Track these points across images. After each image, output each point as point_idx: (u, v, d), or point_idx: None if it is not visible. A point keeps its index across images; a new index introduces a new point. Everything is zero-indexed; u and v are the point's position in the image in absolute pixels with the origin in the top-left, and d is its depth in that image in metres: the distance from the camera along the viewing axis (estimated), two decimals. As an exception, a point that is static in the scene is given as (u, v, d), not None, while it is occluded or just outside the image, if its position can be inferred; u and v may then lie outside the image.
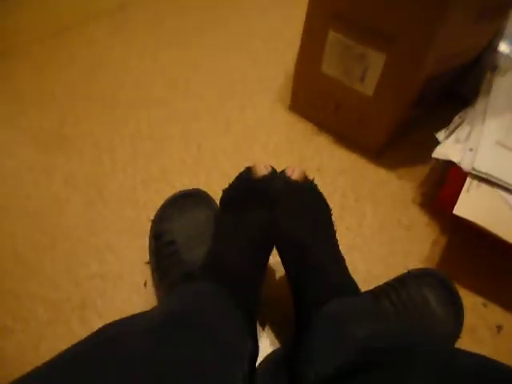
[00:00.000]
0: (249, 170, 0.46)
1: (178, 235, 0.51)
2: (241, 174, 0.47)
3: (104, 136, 0.77)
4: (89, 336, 0.29)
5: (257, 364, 0.48)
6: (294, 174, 0.47)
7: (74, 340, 0.29)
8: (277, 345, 0.52)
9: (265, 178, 0.45)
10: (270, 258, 0.47)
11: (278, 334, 0.55)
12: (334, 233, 0.49)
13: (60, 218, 0.64)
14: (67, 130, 0.77)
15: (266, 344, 0.53)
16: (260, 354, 0.48)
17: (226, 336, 0.36)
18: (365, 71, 0.66)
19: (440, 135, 0.63)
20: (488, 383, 0.27)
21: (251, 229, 0.44)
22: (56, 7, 1.04)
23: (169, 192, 0.60)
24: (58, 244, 0.61)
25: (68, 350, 0.27)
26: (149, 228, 0.56)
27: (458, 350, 0.33)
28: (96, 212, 0.65)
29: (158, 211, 0.57)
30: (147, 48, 0.96)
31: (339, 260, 0.47)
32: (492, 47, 0.79)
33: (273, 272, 0.60)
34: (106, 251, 0.61)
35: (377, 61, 0.64)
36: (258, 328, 0.54)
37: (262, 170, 0.45)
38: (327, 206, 0.49)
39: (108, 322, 0.32)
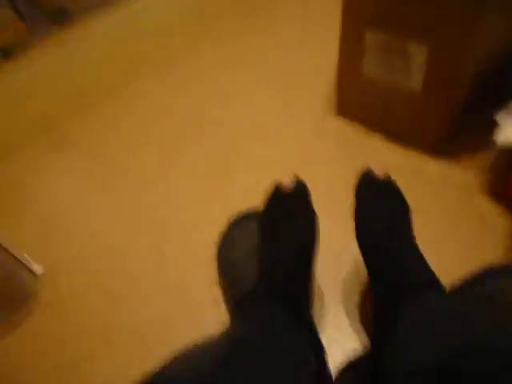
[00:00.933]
0: (275, 187, 0.48)
1: (238, 256, 0.53)
2: (270, 192, 0.49)
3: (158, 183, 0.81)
4: (163, 364, 0.31)
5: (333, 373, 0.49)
6: (377, 172, 0.48)
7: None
8: (349, 351, 0.51)
9: (291, 190, 0.46)
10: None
11: (348, 342, 0.54)
12: (412, 231, 0.48)
13: (134, 260, 0.69)
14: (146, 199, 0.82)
15: (340, 352, 0.53)
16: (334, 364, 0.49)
17: (291, 357, 0.36)
18: (409, 66, 0.65)
19: (499, 117, 0.59)
20: None
21: (291, 244, 0.45)
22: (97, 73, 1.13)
23: (227, 213, 0.63)
24: (141, 286, 0.66)
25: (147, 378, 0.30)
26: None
27: None
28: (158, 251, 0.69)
29: (221, 234, 0.59)
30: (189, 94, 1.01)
31: (419, 256, 0.46)
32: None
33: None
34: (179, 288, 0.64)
35: (419, 53, 0.62)
36: (331, 336, 0.55)
37: (288, 183, 0.46)
38: (407, 204, 0.49)
39: (185, 343, 0.34)
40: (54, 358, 0.59)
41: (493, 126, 0.60)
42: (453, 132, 0.74)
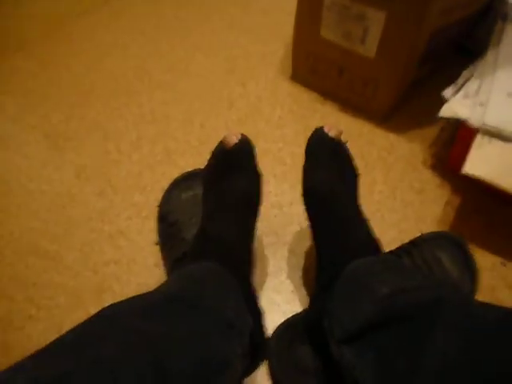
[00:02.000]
0: (221, 142, 0.46)
1: (180, 215, 0.52)
2: (215, 148, 0.47)
3: (109, 125, 0.77)
4: (91, 317, 0.30)
5: (270, 333, 0.49)
6: (332, 131, 0.47)
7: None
8: (288, 314, 0.52)
9: (236, 146, 0.44)
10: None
11: (292, 302, 0.55)
12: (358, 196, 0.49)
13: (73, 209, 0.66)
14: (75, 123, 0.78)
15: (279, 313, 0.54)
16: (274, 325, 0.50)
17: (224, 313, 0.36)
18: (365, 32, 0.64)
19: (447, 92, 0.60)
20: None
21: (232, 198, 0.44)
22: (54, 1, 1.04)
23: (175, 173, 0.60)
24: (74, 234, 0.63)
25: (69, 331, 0.28)
26: (156, 210, 0.57)
27: (483, 303, 0.32)
28: (107, 201, 0.66)
29: (164, 194, 0.57)
30: (147, 34, 0.95)
31: (364, 220, 0.47)
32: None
33: (278, 241, 0.60)
34: (118, 237, 0.62)
35: (376, 19, 0.61)
36: (270, 297, 0.55)
37: (233, 139, 0.44)
38: (356, 169, 0.49)
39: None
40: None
41: (441, 100, 0.61)
42: (402, 103, 0.75)
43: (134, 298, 0.33)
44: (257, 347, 0.45)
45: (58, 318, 0.55)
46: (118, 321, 0.29)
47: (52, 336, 0.54)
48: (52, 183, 0.69)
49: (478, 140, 0.53)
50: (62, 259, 0.60)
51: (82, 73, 0.87)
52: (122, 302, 0.32)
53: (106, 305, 0.56)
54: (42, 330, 0.54)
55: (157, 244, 0.56)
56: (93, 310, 0.55)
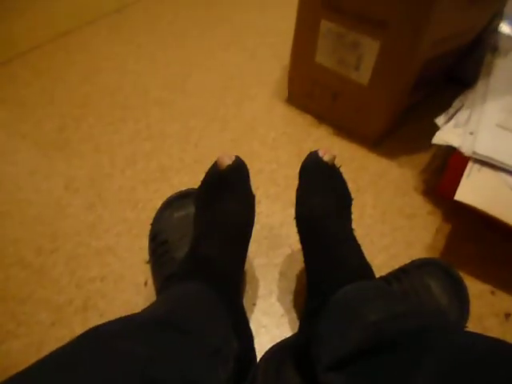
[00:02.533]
0: (215, 163, 0.46)
1: (171, 235, 0.51)
2: (209, 169, 0.47)
3: (103, 138, 0.77)
4: (78, 337, 0.29)
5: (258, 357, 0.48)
6: (326, 156, 0.47)
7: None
8: (277, 338, 0.51)
9: (229, 167, 0.44)
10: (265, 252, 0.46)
11: (281, 325, 0.54)
12: (351, 221, 0.48)
13: (61, 222, 0.65)
14: (67, 134, 0.78)
15: (267, 338, 0.53)
16: (262, 348, 0.49)
17: (209, 338, 0.35)
18: (359, 59, 0.65)
19: (439, 120, 0.61)
20: (503, 363, 0.26)
21: (225, 222, 0.44)
22: (53, 12, 1.05)
23: (168, 191, 0.60)
24: (60, 248, 0.61)
25: (55, 351, 0.27)
26: (148, 228, 0.57)
27: (471, 332, 0.32)
28: (96, 215, 0.65)
29: (156, 213, 0.57)
30: (144, 49, 0.96)
31: (356, 245, 0.46)
32: (492, 28, 0.77)
33: (271, 267, 0.60)
34: (106, 253, 0.61)
35: (370, 48, 0.63)
36: (259, 322, 0.54)
37: (226, 161, 0.44)
38: (349, 194, 0.49)
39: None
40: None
41: (433, 126, 0.62)
42: (395, 128, 0.76)
43: (121, 319, 0.33)
44: (246, 370, 0.44)
45: (38, 335, 0.53)
46: (106, 342, 0.28)
47: (31, 354, 0.53)
48: (40, 193, 0.68)
49: (469, 168, 0.54)
50: (46, 273, 0.59)
51: (76, 84, 0.88)
52: (109, 323, 0.31)
53: (90, 322, 0.55)
54: (20, 347, 0.52)
55: (147, 262, 0.56)
56: (76, 328, 0.54)
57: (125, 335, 0.30)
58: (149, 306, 0.38)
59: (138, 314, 0.35)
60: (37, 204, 0.67)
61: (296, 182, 0.49)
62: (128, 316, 0.33)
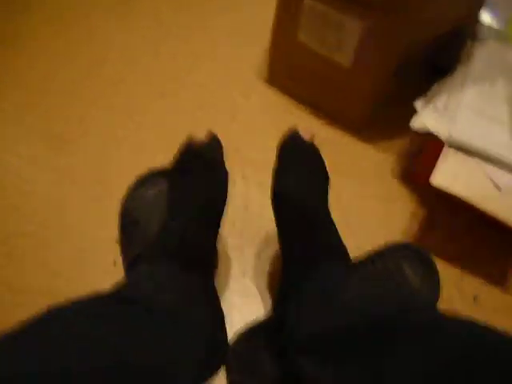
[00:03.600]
0: (188, 141, 0.45)
1: (142, 212, 0.49)
2: (182, 146, 0.46)
3: (108, 131, 0.73)
4: (36, 318, 0.27)
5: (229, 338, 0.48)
6: (305, 134, 0.46)
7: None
8: (249, 319, 0.51)
9: (204, 144, 0.44)
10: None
11: (254, 306, 0.54)
12: (328, 201, 0.48)
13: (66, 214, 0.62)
14: (72, 126, 0.73)
15: (239, 319, 0.52)
16: (233, 329, 0.48)
17: (180, 316, 0.35)
18: (342, 40, 0.64)
19: (418, 104, 0.61)
20: (479, 347, 0.26)
21: (197, 197, 0.43)
22: (56, 4, 0.98)
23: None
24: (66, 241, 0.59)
25: (8, 334, 0.25)
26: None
27: (443, 314, 0.32)
28: (102, 207, 0.63)
29: (128, 191, 0.55)
30: (148, 40, 0.90)
31: (332, 225, 0.46)
32: (473, 17, 0.78)
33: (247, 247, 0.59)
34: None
35: (354, 29, 0.61)
36: (231, 302, 0.53)
37: (201, 138, 0.44)
38: (327, 174, 0.49)
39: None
40: None
41: (412, 112, 0.62)
42: (376, 113, 0.76)
43: (89, 298, 0.31)
44: (217, 351, 0.44)
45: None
46: (70, 324, 0.27)
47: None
48: (44, 185, 0.65)
49: (445, 153, 0.54)
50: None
51: (80, 77, 0.82)
52: (75, 302, 0.30)
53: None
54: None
55: (117, 241, 0.54)
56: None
57: (91, 316, 0.28)
58: (118, 284, 0.36)
59: (107, 292, 0.34)
60: (41, 196, 0.64)
61: (272, 164, 0.48)
62: (93, 295, 0.32)
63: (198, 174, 0.43)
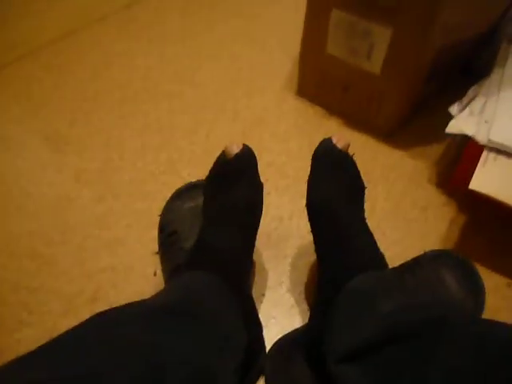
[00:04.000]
0: (223, 152, 0.46)
1: (180, 225, 0.51)
2: (217, 158, 0.47)
3: (113, 132, 0.77)
4: (84, 322, 0.29)
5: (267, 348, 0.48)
6: (339, 143, 0.46)
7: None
8: (287, 329, 0.51)
9: (237, 156, 0.44)
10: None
11: (291, 316, 0.54)
12: (364, 210, 0.48)
13: (72, 214, 0.65)
14: (77, 129, 0.78)
15: (277, 329, 0.52)
16: (271, 339, 0.48)
17: (219, 327, 0.35)
18: (371, 48, 0.64)
19: (453, 109, 0.60)
20: None
21: (233, 208, 0.43)
22: (63, 10, 1.06)
23: (178, 183, 0.60)
24: (71, 239, 0.62)
25: (61, 336, 0.27)
26: (157, 220, 0.57)
27: (487, 320, 0.31)
28: (106, 207, 0.66)
29: (165, 204, 0.57)
30: (154, 44, 0.96)
31: (369, 234, 0.45)
32: (507, 17, 0.75)
33: (276, 259, 0.59)
34: (116, 244, 0.61)
35: (382, 36, 0.61)
36: (268, 313, 0.54)
37: (234, 149, 0.44)
38: (362, 182, 0.48)
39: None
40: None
41: (447, 118, 0.61)
42: (408, 120, 0.75)
43: (131, 304, 0.32)
44: (255, 361, 0.44)
45: (50, 325, 0.54)
46: (113, 328, 0.28)
47: (43, 342, 0.53)
48: (52, 186, 0.69)
49: (484, 157, 0.52)
50: (57, 264, 0.59)
51: (86, 79, 0.88)
52: (118, 308, 0.31)
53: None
54: (32, 336, 0.52)
55: (156, 253, 0.56)
56: (86, 317, 0.54)
57: (132, 322, 0.30)
58: (158, 293, 0.38)
59: (149, 299, 0.35)
60: (48, 197, 0.68)
61: (306, 174, 0.49)
62: (138, 302, 0.33)
63: (233, 186, 0.44)
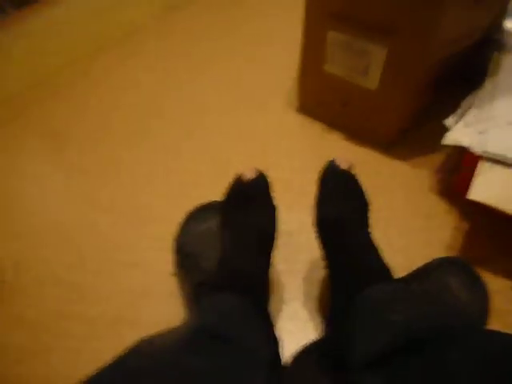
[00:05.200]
0: (237, 177, 0.48)
1: (196, 246, 0.53)
2: (231, 183, 0.49)
3: (123, 158, 0.80)
4: (125, 352, 0.31)
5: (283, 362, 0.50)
6: (342, 164, 0.49)
7: (109, 353, 0.31)
8: (302, 342, 0.53)
9: (252, 181, 0.47)
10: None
11: (306, 330, 0.56)
12: (369, 226, 0.50)
13: (88, 239, 0.68)
14: (88, 156, 0.81)
15: (294, 342, 0.54)
16: (288, 353, 0.50)
17: (248, 345, 0.37)
18: (367, 66, 0.67)
19: (448, 121, 0.62)
20: None
21: (251, 234, 0.46)
22: (68, 39, 1.10)
23: (188, 205, 0.62)
24: (88, 264, 0.64)
25: (106, 367, 0.29)
26: (171, 242, 0.59)
27: (496, 331, 0.33)
28: (121, 231, 0.68)
29: (180, 227, 0.59)
30: (158, 72, 1.00)
31: (375, 248, 0.48)
32: (497, 26, 0.78)
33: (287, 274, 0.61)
34: (133, 268, 0.63)
35: (378, 54, 0.64)
36: (284, 327, 0.56)
37: (248, 174, 0.47)
38: (367, 200, 0.51)
39: (140, 334, 0.34)
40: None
41: (443, 129, 0.63)
42: (407, 130, 0.77)
43: (170, 331, 0.34)
44: (274, 375, 0.46)
45: (74, 348, 0.56)
46: (158, 355, 0.30)
47: (69, 364, 0.56)
48: (68, 214, 0.72)
49: (481, 166, 0.55)
50: (77, 288, 0.62)
51: (98, 109, 0.92)
52: (157, 335, 0.33)
53: (122, 334, 0.57)
54: (58, 358, 0.55)
55: (173, 275, 0.58)
56: (109, 339, 0.57)
57: (178, 347, 0.32)
58: (192, 318, 0.40)
59: (185, 326, 0.37)
60: (66, 224, 0.70)
61: (312, 189, 0.51)
62: (176, 328, 0.35)
63: (248, 210, 0.47)
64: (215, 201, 0.59)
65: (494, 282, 0.58)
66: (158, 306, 0.59)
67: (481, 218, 0.64)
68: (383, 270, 0.47)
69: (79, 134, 0.86)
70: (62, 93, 0.96)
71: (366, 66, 0.67)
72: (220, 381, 0.30)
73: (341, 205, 0.47)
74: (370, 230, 0.49)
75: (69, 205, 0.73)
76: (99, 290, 0.61)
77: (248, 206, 0.47)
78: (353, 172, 0.50)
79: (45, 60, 1.05)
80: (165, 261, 0.63)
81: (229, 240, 0.47)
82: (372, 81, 0.68)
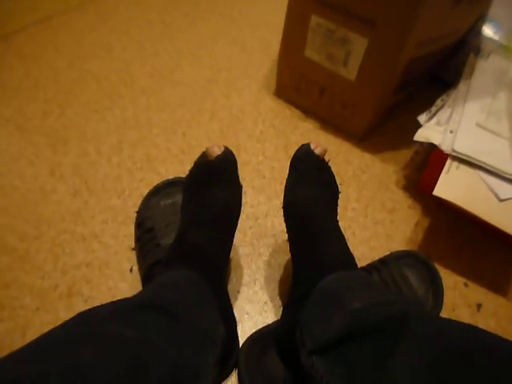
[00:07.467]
0: (203, 153, 0.47)
1: (157, 222, 0.52)
2: (198, 159, 0.48)
3: (89, 126, 0.76)
4: (67, 320, 0.30)
5: (240, 343, 0.50)
6: (317, 149, 0.48)
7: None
8: (259, 325, 0.53)
9: (219, 158, 0.45)
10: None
11: (264, 312, 0.56)
12: (337, 214, 0.50)
13: (46, 208, 0.64)
14: (52, 120, 0.77)
15: (250, 324, 0.54)
16: (245, 335, 0.50)
17: (198, 322, 0.37)
18: (347, 55, 0.66)
19: (421, 118, 0.63)
20: (479, 346, 0.28)
21: (213, 209, 0.45)
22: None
23: (154, 180, 0.60)
24: (45, 234, 0.61)
25: (45, 334, 0.28)
26: (134, 216, 0.57)
27: (446, 318, 0.34)
28: (82, 202, 0.65)
29: (143, 201, 0.58)
30: (132, 37, 0.95)
31: (341, 236, 0.48)
32: (475, 30, 0.80)
33: (256, 254, 0.61)
34: (91, 240, 0.61)
35: (359, 45, 0.64)
36: (242, 309, 0.55)
37: (216, 151, 0.45)
38: (337, 188, 0.51)
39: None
40: None
41: (415, 124, 0.64)
42: (379, 125, 0.78)
43: (113, 303, 0.33)
44: (229, 356, 0.46)
45: (23, 319, 0.53)
46: (96, 325, 0.29)
47: (16, 337, 0.53)
48: (24, 179, 0.68)
49: (448, 165, 0.56)
50: (30, 258, 0.59)
51: (62, 70, 0.86)
52: (100, 306, 0.32)
53: (75, 307, 0.55)
54: (5, 330, 0.52)
55: (133, 249, 0.56)
56: (61, 313, 0.55)
57: (114, 318, 0.31)
58: (140, 292, 0.39)
59: (130, 298, 0.36)
60: (21, 190, 0.66)
61: (282, 175, 0.51)
62: (117, 300, 0.34)
63: (213, 186, 0.45)
64: (181, 177, 0.58)
65: (448, 278, 0.60)
66: (116, 281, 0.57)
67: (442, 215, 0.66)
68: (347, 258, 0.47)
69: (39, 95, 0.81)
70: (25, 50, 0.90)
71: (346, 55, 0.67)
72: (150, 354, 0.29)
73: (312, 189, 0.46)
74: (337, 217, 0.49)
75: (27, 169, 0.69)
76: (54, 261, 0.59)
77: (213, 182, 0.45)
78: (326, 159, 0.50)
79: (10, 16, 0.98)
80: (125, 234, 0.61)
81: (190, 214, 0.46)
82: (351, 71, 0.68)
